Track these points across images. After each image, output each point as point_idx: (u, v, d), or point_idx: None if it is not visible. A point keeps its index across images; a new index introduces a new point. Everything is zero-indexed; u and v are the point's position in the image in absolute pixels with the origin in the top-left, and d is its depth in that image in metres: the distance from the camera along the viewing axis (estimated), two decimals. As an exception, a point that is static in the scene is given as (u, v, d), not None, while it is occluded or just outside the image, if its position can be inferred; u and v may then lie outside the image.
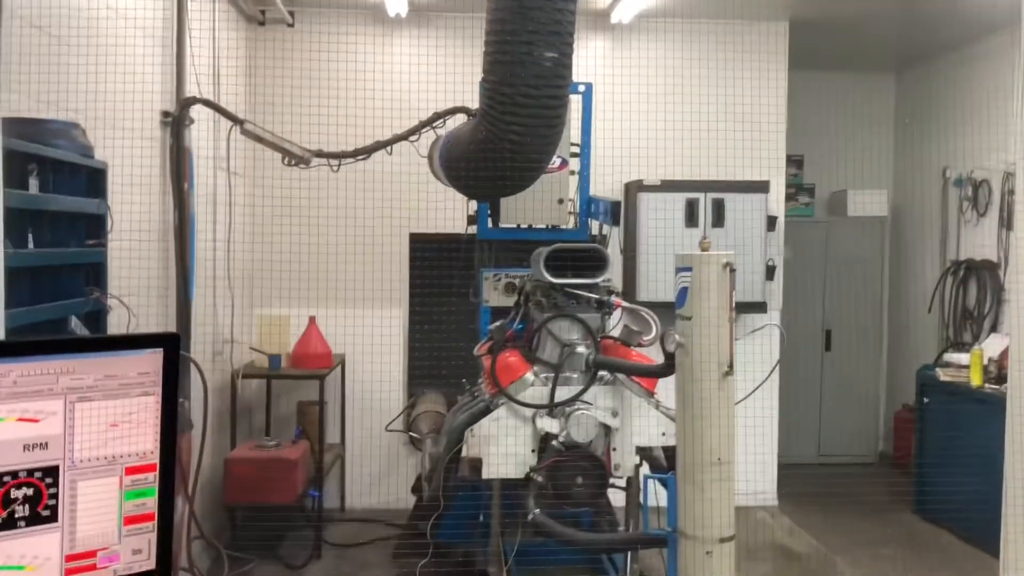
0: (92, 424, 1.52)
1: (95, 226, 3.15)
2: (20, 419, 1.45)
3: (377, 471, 7.03)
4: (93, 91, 3.92)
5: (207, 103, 5.29)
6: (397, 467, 7.03)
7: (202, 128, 5.48)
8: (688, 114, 6.98)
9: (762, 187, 6.89)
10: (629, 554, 4.39)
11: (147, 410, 1.57)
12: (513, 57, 3.88)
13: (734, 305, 3.37)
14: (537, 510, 4.00)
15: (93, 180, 3.17)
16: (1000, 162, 7.11)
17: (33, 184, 2.74)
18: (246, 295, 6.64)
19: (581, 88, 5.50)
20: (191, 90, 5.29)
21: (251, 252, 6.61)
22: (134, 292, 4.20)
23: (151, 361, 1.56)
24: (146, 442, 1.58)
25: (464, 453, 4.19)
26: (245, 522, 5.86)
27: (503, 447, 4.14)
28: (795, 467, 7.80)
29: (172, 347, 1.58)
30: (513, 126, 4.02)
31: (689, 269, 3.35)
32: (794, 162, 8.37)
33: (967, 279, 7.57)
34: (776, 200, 7.21)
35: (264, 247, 6.60)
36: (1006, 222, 7.12)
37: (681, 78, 7.11)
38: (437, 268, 6.34)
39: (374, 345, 6.59)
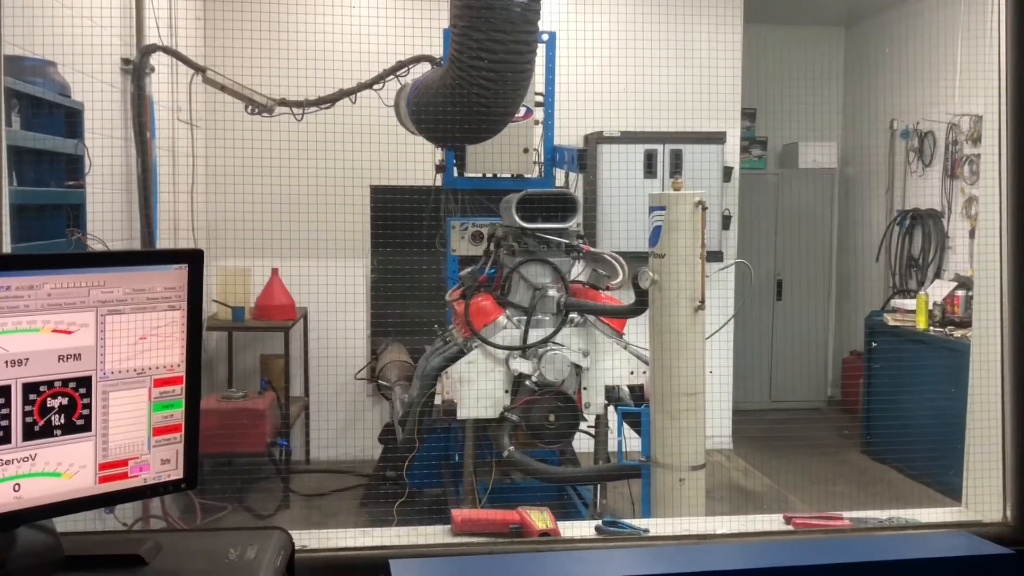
0: (122, 336, 1.56)
1: (73, 166, 3.14)
2: (55, 330, 1.48)
3: (342, 423, 7.08)
4: (51, 32, 3.84)
5: (168, 51, 5.21)
6: (362, 418, 7.09)
7: (161, 78, 5.40)
8: (646, 66, 7.04)
9: (719, 138, 7.03)
10: (598, 489, 4.54)
11: (174, 324, 1.61)
12: (483, 3, 3.91)
13: (705, 242, 3.49)
14: (512, 447, 4.12)
15: (70, 120, 3.15)
16: (945, 114, 7.34)
17: (16, 121, 2.72)
18: (208, 246, 6.56)
19: (545, 37, 5.54)
20: (149, 38, 5.20)
21: (213, 203, 6.54)
22: (100, 240, 4.16)
23: (177, 277, 1.60)
24: (173, 355, 1.62)
25: (438, 396, 4.28)
26: (214, 472, 5.88)
27: (477, 388, 4.24)
28: (748, 412, 8.06)
29: (196, 263, 1.62)
30: (483, 72, 4.05)
31: (663, 208, 3.45)
32: (747, 115, 8.51)
33: (913, 228, 7.83)
34: (732, 151, 7.35)
35: (224, 198, 6.52)
36: (950, 172, 7.38)
37: (639, 29, 7.16)
38: (400, 219, 6.35)
39: (336, 298, 6.59)
